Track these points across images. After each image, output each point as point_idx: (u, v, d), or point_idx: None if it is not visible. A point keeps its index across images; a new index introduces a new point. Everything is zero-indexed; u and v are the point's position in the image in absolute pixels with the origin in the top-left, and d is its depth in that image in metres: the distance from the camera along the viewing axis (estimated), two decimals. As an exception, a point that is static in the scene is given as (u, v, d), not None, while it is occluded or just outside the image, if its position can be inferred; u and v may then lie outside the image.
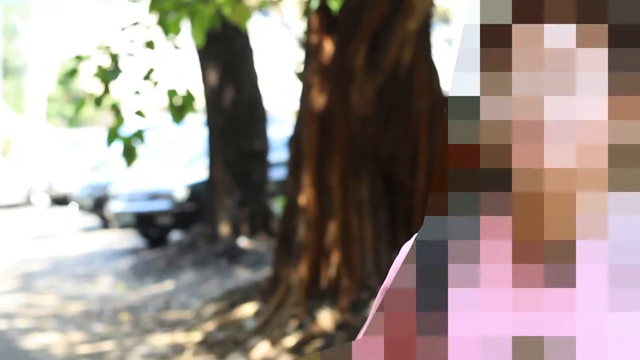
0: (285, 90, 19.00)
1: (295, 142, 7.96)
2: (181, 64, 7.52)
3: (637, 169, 0.80)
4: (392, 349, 0.83)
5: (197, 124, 16.19)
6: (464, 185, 0.82)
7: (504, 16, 0.80)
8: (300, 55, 8.83)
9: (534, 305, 0.82)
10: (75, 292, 11.25)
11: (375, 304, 0.95)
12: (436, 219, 0.85)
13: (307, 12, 7.54)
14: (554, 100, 0.79)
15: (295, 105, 8.23)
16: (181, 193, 14.24)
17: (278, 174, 13.11)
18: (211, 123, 12.31)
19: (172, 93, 7.21)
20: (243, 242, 12.04)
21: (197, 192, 13.90)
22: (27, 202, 23.35)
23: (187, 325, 8.65)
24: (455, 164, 0.82)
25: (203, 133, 12.86)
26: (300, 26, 8.84)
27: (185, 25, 7.08)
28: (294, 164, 7.96)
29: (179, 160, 16.26)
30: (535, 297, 0.82)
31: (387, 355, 0.83)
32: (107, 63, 7.12)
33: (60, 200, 21.88)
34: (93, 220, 17.90)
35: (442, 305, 0.83)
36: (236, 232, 12.11)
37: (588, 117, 0.79)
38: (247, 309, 8.22)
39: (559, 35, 0.79)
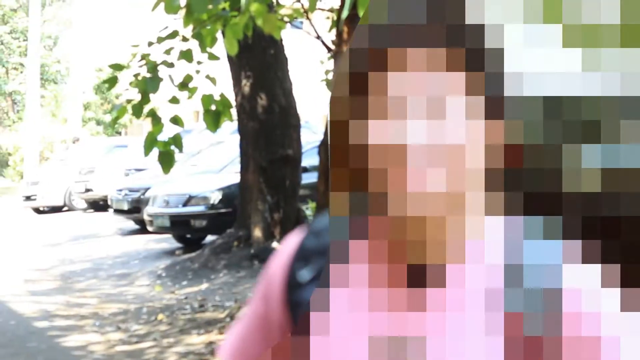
0: (319, 98, 19.16)
1: (325, 148, 8.04)
2: (216, 72, 7.68)
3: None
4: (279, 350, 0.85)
5: (231, 129, 16.30)
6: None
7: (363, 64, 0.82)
8: (331, 64, 8.98)
9: (403, 306, 0.83)
10: (113, 293, 11.36)
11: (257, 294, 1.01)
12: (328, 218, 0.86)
13: (337, 23, 7.67)
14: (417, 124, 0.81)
15: (325, 112, 8.37)
16: (216, 197, 14.36)
17: (311, 178, 13.21)
18: (244, 130, 12.41)
19: (207, 99, 7.31)
20: (276, 245, 12.05)
21: (231, 196, 13.95)
22: (66, 205, 23.59)
23: (222, 326, 8.67)
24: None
25: (237, 139, 12.93)
26: (331, 36, 8.99)
27: (220, 35, 7.20)
28: (324, 169, 8.06)
29: (213, 164, 16.43)
30: (403, 298, 0.83)
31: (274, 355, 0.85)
32: (145, 72, 7.24)
33: (98, 204, 22.08)
34: (130, 223, 18.01)
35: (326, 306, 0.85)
36: (269, 235, 12.18)
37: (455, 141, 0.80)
38: (280, 310, 8.28)
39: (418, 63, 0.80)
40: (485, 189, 0.80)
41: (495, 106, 0.81)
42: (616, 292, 0.81)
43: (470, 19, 0.81)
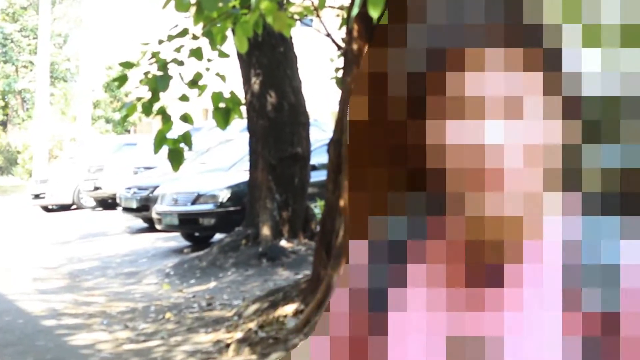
0: (328, 96, 19.16)
1: (335, 146, 8.03)
2: (225, 70, 7.67)
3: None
4: (341, 348, 0.84)
5: (240, 127, 16.32)
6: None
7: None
8: (341, 62, 8.97)
9: (467, 306, 0.83)
10: (121, 291, 11.39)
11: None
12: (393, 219, 0.85)
13: (347, 21, 7.66)
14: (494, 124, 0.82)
15: (336, 110, 8.37)
16: (225, 195, 14.37)
17: (319, 177, 13.22)
18: (253, 127, 12.41)
19: (217, 96, 7.32)
20: (284, 243, 12.13)
21: (240, 194, 13.97)
22: (75, 204, 23.65)
23: (230, 324, 8.67)
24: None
25: (246, 136, 12.95)
26: (341, 34, 8.97)
27: (229, 32, 7.21)
28: (334, 167, 8.06)
29: (222, 162, 16.44)
30: (468, 298, 0.84)
31: (351, 354, 0.84)
32: (155, 70, 7.25)
33: (107, 202, 22.13)
34: (138, 221, 18.04)
35: (384, 305, 0.85)
36: (277, 234, 12.18)
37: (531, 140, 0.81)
38: (288, 309, 8.25)
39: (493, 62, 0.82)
40: (563, 189, 0.82)
41: (573, 106, 0.82)
42: None
43: (546, 19, 0.83)
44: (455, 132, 0.82)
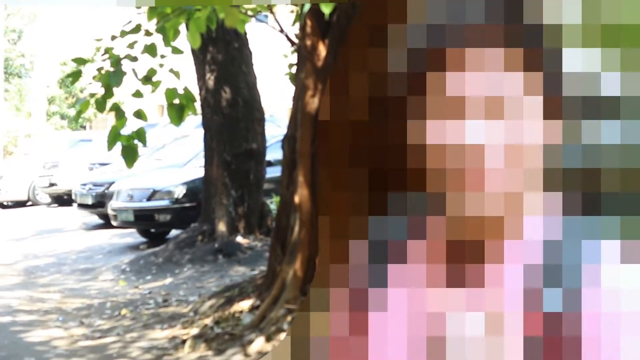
0: (283, 91, 19.16)
1: (289, 142, 8.02)
2: (179, 66, 7.67)
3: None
4: (335, 348, 0.84)
5: (195, 123, 16.29)
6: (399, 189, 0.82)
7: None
8: (295, 58, 8.99)
9: (448, 305, 0.83)
10: (77, 288, 11.32)
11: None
12: (374, 219, 0.84)
13: (300, 17, 7.68)
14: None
15: (290, 106, 8.39)
16: (180, 191, 14.33)
17: (275, 172, 13.21)
18: (208, 124, 12.41)
19: (170, 93, 7.31)
20: (240, 239, 12.11)
21: (196, 190, 13.93)
22: (30, 200, 23.47)
23: (186, 320, 8.65)
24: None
25: (201, 133, 12.93)
26: (295, 30, 9.00)
27: (183, 29, 7.20)
28: (289, 163, 8.07)
29: (178, 158, 16.40)
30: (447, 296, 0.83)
31: (332, 354, 0.84)
32: (108, 66, 7.23)
33: (62, 198, 21.98)
34: (94, 217, 17.92)
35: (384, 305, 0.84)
36: (233, 230, 12.18)
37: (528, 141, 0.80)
38: (244, 305, 8.23)
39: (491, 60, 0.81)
40: (544, 189, 0.81)
41: (554, 106, 0.82)
42: None
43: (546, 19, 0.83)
44: (436, 133, 0.81)
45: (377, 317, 0.84)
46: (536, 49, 0.81)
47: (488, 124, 0.80)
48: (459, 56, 0.81)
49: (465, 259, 0.82)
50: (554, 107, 0.81)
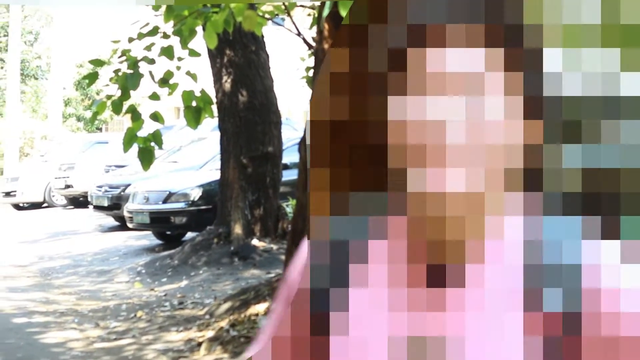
0: (299, 95, 19.17)
1: (305, 145, 8.04)
2: (196, 69, 7.67)
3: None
4: (299, 348, 0.83)
5: (212, 126, 16.30)
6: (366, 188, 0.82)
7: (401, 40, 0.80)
8: (312, 61, 9.00)
9: (425, 305, 0.82)
10: (92, 290, 11.34)
11: (279, 297, 0.99)
12: (334, 219, 0.85)
13: (318, 20, 7.68)
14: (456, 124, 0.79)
15: (306, 109, 8.37)
16: (196, 193, 14.36)
17: (291, 175, 13.20)
18: (225, 126, 12.42)
19: (187, 95, 7.31)
20: (256, 242, 12.11)
21: (212, 193, 13.95)
22: (46, 202, 23.54)
23: (201, 323, 8.67)
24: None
25: (218, 135, 12.94)
26: (312, 33, 9.01)
27: (199, 30, 7.20)
28: (304, 166, 8.08)
29: (194, 161, 16.43)
30: (425, 297, 0.82)
31: (293, 354, 0.83)
32: (125, 68, 7.23)
33: (78, 200, 22.04)
34: (110, 219, 17.97)
35: (346, 305, 0.83)
36: (249, 233, 12.18)
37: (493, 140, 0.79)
38: (260, 307, 8.25)
39: (465, 60, 0.79)
40: (505, 188, 0.80)
41: (535, 107, 0.80)
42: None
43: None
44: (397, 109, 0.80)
45: (356, 316, 0.83)
46: (498, 25, 0.79)
47: (450, 100, 0.79)
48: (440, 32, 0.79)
49: (445, 258, 0.81)
50: (534, 108, 0.80)
